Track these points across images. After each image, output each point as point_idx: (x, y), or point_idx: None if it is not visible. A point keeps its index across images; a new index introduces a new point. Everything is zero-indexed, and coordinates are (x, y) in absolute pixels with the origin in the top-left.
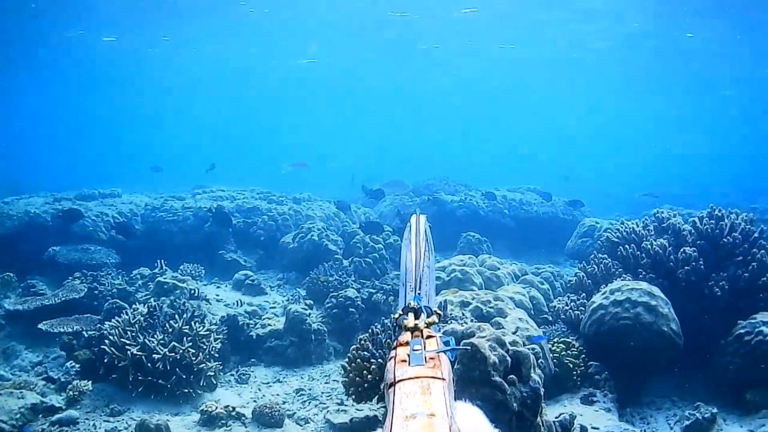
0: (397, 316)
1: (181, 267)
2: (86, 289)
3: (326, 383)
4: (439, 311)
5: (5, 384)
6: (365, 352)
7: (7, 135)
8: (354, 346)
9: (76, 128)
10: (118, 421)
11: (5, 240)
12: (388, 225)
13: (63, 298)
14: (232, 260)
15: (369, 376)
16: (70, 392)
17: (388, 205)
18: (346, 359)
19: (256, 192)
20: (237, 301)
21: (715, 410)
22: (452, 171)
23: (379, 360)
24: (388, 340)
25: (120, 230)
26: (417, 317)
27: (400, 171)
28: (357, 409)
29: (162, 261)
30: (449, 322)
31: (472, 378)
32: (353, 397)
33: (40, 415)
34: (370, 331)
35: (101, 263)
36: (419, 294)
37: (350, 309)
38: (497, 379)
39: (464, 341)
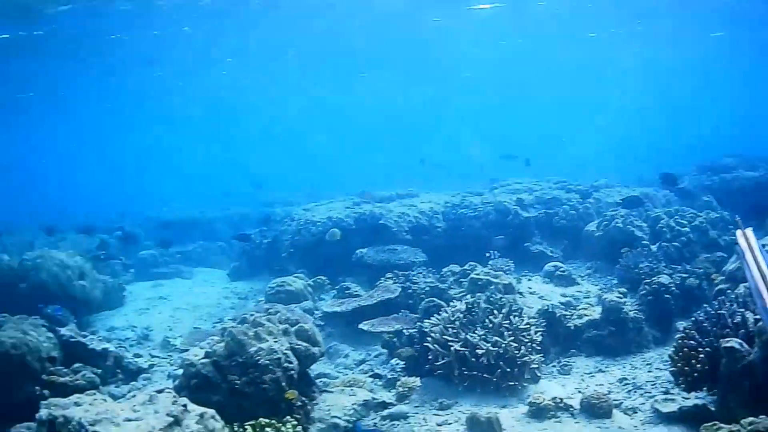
0: None
1: (491, 262)
2: (400, 289)
3: (649, 372)
4: None
5: (335, 382)
6: (692, 341)
7: None
8: (679, 335)
9: None
10: (447, 414)
11: (311, 245)
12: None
13: (378, 299)
14: (538, 252)
15: (698, 366)
16: (400, 388)
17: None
18: (672, 348)
19: (552, 182)
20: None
21: None
22: None
23: (707, 349)
24: (715, 328)
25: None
26: None
27: None
28: (684, 398)
29: None
30: None
31: None
32: (683, 386)
33: (371, 411)
34: (693, 319)
35: (409, 263)
36: None
37: (665, 295)
38: None
39: None
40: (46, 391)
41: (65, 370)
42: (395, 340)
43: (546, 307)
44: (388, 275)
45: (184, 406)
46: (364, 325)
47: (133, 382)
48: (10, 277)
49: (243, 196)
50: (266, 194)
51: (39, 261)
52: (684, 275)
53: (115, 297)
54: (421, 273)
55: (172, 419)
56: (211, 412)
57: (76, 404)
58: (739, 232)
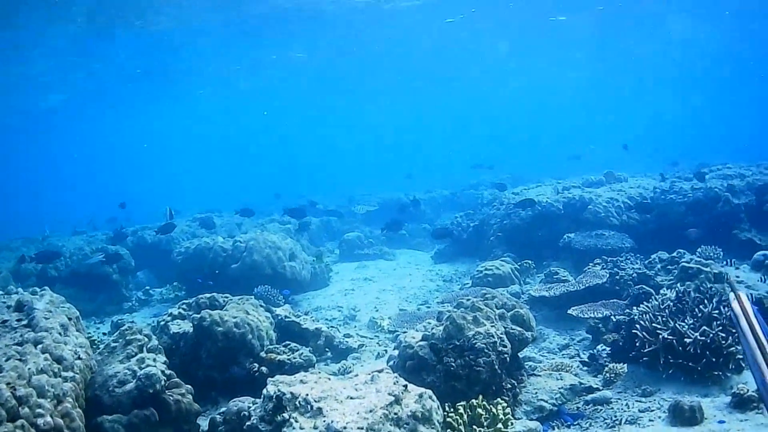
0: None
1: (700, 249)
2: (608, 275)
3: None
4: None
5: (542, 366)
6: None
7: None
8: None
9: None
10: (650, 401)
11: (521, 229)
12: None
13: (587, 285)
14: (746, 240)
15: None
16: (607, 374)
17: None
18: None
19: (764, 167)
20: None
21: None
22: None
23: None
24: None
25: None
26: None
27: None
28: None
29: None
30: None
31: None
32: None
33: (576, 396)
34: None
35: (616, 248)
36: None
37: None
38: None
39: None
40: (264, 368)
41: (282, 348)
42: (600, 325)
43: (754, 297)
44: (597, 261)
45: (405, 386)
46: (573, 311)
47: (343, 361)
48: (224, 258)
49: (447, 179)
50: (471, 177)
51: (252, 243)
52: None
53: (322, 277)
54: (628, 259)
55: (393, 398)
56: (429, 392)
57: (302, 382)
58: (731, 295)
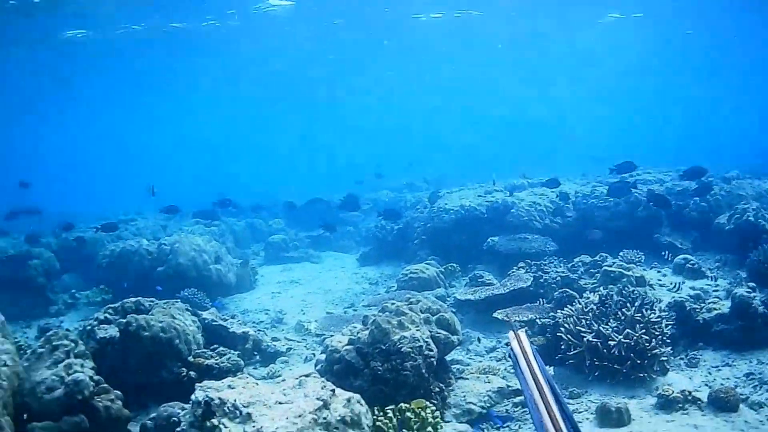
0: None
1: (622, 253)
2: (532, 278)
3: None
4: None
5: (470, 369)
6: None
7: None
8: None
9: None
10: (578, 403)
11: (445, 233)
12: None
13: (511, 288)
14: (668, 244)
15: None
16: None
17: None
18: None
19: (681, 173)
20: (676, 284)
21: None
22: None
23: None
24: None
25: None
26: None
27: None
28: None
29: None
30: None
31: None
32: None
33: (505, 398)
34: None
35: (540, 251)
36: None
37: None
38: None
39: None
40: (192, 373)
41: (210, 352)
42: (526, 329)
43: (677, 300)
44: (520, 264)
45: (333, 390)
46: (498, 314)
47: (271, 365)
48: (149, 261)
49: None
50: (392, 180)
51: (177, 246)
52: None
53: (248, 280)
54: (552, 262)
55: (321, 403)
56: (357, 396)
57: (230, 387)
58: (511, 334)
